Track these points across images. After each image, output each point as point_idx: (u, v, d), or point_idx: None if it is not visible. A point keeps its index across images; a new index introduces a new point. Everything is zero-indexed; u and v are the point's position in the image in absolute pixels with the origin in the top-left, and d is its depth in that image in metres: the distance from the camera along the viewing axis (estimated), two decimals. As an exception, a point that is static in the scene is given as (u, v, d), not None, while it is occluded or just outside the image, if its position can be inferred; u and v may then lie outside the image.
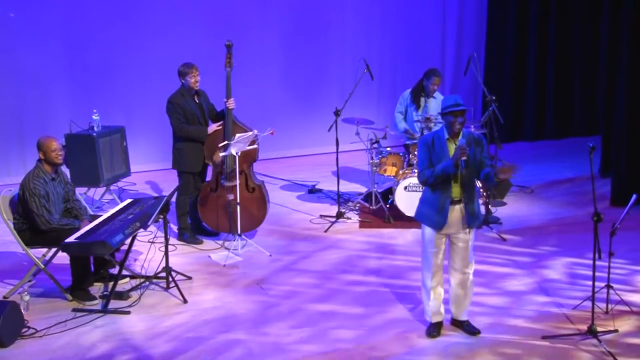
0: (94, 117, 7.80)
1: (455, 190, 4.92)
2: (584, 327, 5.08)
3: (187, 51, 9.03)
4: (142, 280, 5.98)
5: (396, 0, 10.64)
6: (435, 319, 5.19)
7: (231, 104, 6.75)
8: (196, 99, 6.84)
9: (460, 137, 4.90)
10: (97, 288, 5.96)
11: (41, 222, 5.65)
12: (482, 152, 4.97)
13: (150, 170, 9.41)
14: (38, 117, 9.12)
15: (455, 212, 4.95)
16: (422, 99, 7.74)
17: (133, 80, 9.47)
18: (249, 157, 6.81)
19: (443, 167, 4.82)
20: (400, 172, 7.52)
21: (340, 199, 7.78)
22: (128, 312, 5.55)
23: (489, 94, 7.58)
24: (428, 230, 5.04)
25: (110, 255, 5.83)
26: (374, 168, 7.65)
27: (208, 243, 6.98)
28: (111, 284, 5.81)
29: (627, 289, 5.76)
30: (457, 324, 5.26)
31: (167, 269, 5.89)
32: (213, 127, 6.79)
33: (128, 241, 5.78)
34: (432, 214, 4.97)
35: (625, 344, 4.99)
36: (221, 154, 6.63)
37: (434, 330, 5.17)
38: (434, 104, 7.66)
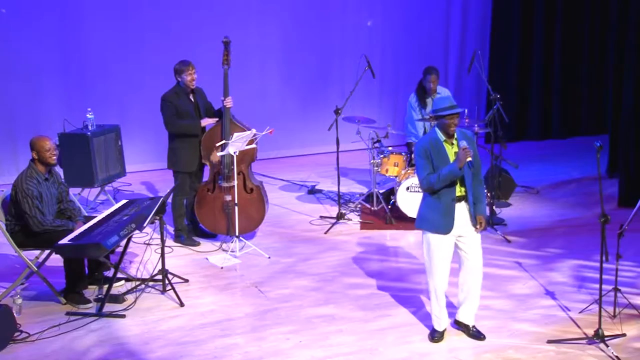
0: (88, 115, 7.76)
1: (458, 189, 4.89)
2: (591, 332, 5.01)
3: (183, 48, 9.00)
4: (137, 283, 5.95)
5: (398, -4, 10.58)
6: (443, 326, 5.12)
7: (229, 102, 6.66)
8: (192, 98, 6.75)
9: (455, 137, 4.89)
10: (91, 291, 5.92)
11: (34, 224, 5.58)
12: (475, 150, 4.92)
13: (145, 170, 9.37)
14: (31, 115, 9.06)
15: (462, 210, 4.91)
16: (428, 99, 7.63)
17: (128, 78, 9.41)
18: (247, 157, 6.74)
19: (449, 171, 4.78)
20: (403, 172, 7.46)
21: (341, 199, 7.71)
22: (123, 316, 5.49)
23: (493, 92, 7.51)
24: (435, 236, 4.93)
25: (105, 257, 5.84)
26: (376, 168, 7.58)
27: (205, 245, 6.92)
28: (106, 286, 5.77)
29: (635, 292, 5.69)
30: (463, 326, 5.19)
31: (164, 272, 5.84)
32: (207, 121, 6.67)
33: (123, 243, 5.74)
34: (438, 218, 4.89)
35: (633, 348, 4.92)
36: (218, 154, 6.55)
37: (438, 335, 5.10)
38: None
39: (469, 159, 4.71)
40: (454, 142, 4.87)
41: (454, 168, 4.76)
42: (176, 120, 6.64)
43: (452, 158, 4.84)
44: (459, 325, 5.21)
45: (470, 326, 5.16)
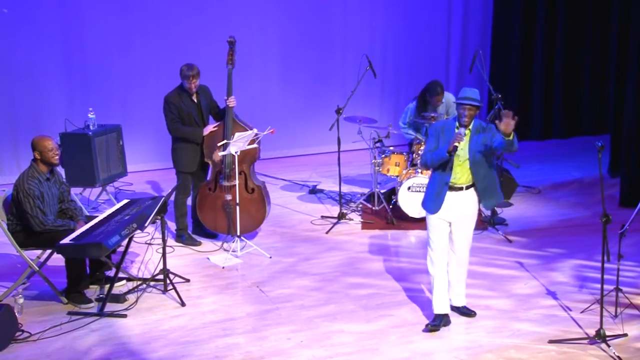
0: (89, 115, 7.76)
1: (458, 177, 5.05)
2: (592, 332, 5.00)
3: (185, 47, 9.02)
4: (139, 282, 5.95)
5: (400, -4, 10.56)
6: (436, 310, 5.22)
7: (232, 102, 6.67)
8: (194, 99, 6.74)
9: (469, 129, 5.06)
10: (93, 291, 5.91)
11: (35, 224, 5.58)
12: (493, 136, 5.04)
13: (147, 170, 9.37)
14: (32, 115, 9.04)
15: (456, 199, 5.07)
16: (426, 112, 7.57)
17: (130, 78, 9.40)
18: (249, 157, 6.73)
19: (438, 151, 5.01)
20: (404, 172, 7.44)
21: (342, 199, 7.69)
22: (124, 316, 5.49)
23: (494, 92, 7.49)
24: (430, 216, 5.16)
25: (107, 257, 5.83)
26: (377, 168, 7.57)
27: (207, 245, 6.92)
28: (107, 286, 5.76)
29: (636, 292, 5.68)
30: (453, 308, 5.39)
31: (165, 271, 5.83)
32: (209, 129, 6.71)
33: (125, 243, 5.73)
34: (428, 198, 5.15)
35: (634, 348, 4.91)
36: (220, 154, 6.54)
37: (433, 323, 5.19)
38: (442, 107, 7.51)
39: (457, 144, 4.88)
40: (467, 131, 5.02)
41: (443, 150, 4.96)
42: (179, 126, 6.67)
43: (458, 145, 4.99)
44: (450, 307, 5.38)
45: (461, 306, 5.37)
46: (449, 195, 5.05)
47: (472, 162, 5.01)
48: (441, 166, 5.03)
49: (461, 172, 5.04)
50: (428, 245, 5.23)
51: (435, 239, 5.15)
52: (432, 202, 5.10)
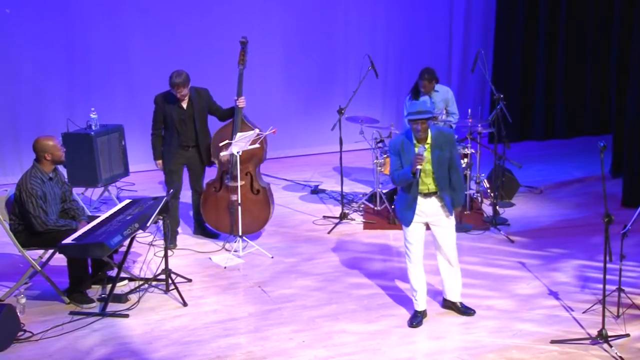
0: (91, 115, 7.75)
1: (427, 186, 5.12)
2: (594, 332, 5.00)
3: (186, 48, 9.00)
4: (141, 282, 5.95)
5: (402, -5, 10.55)
6: (416, 307, 5.35)
7: (241, 102, 6.68)
8: (184, 104, 6.71)
9: (427, 141, 5.07)
10: (94, 291, 5.92)
11: (38, 223, 5.58)
12: (452, 150, 5.12)
13: (149, 170, 9.31)
14: (34, 115, 9.03)
15: (430, 203, 5.17)
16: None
17: (132, 78, 9.40)
18: (255, 158, 6.74)
19: (403, 173, 5.08)
20: (406, 172, 7.42)
21: (344, 199, 7.69)
22: (126, 316, 5.50)
23: (496, 92, 7.49)
24: (404, 226, 5.25)
25: (109, 257, 5.82)
26: (379, 168, 7.58)
27: (209, 245, 6.92)
28: (109, 286, 5.76)
29: (638, 293, 5.67)
30: (451, 304, 5.45)
31: (167, 271, 5.84)
32: (159, 164, 6.91)
33: (127, 242, 5.74)
34: (400, 211, 5.24)
35: (636, 348, 4.91)
36: (222, 154, 6.55)
37: (417, 320, 5.29)
38: (439, 97, 7.49)
39: (419, 167, 4.95)
40: (426, 146, 5.05)
41: (407, 172, 5.02)
42: (154, 135, 6.90)
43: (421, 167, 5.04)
44: (447, 303, 5.46)
45: (457, 303, 5.40)
46: (421, 201, 5.14)
47: (436, 175, 5.08)
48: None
49: (430, 182, 5.12)
50: (405, 254, 5.32)
51: (412, 242, 5.23)
52: (406, 213, 5.17)
